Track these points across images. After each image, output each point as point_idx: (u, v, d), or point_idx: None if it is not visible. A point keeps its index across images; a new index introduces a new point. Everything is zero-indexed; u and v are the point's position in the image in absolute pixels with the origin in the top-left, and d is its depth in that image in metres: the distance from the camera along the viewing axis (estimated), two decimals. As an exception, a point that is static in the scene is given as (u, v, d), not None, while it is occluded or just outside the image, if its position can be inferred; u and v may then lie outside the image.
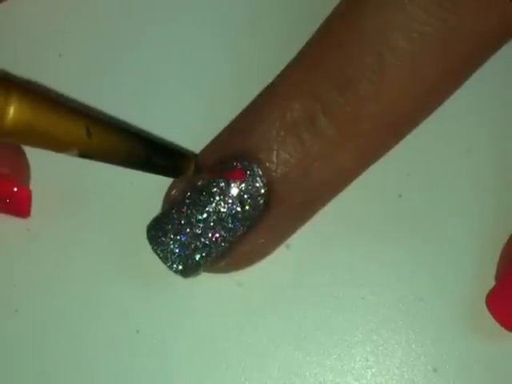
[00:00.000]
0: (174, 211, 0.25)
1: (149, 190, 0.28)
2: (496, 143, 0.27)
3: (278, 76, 0.26)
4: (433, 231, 0.27)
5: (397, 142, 0.26)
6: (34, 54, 0.29)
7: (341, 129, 0.24)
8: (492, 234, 0.27)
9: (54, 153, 0.23)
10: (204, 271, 0.26)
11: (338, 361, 0.27)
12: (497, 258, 0.27)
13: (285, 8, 0.29)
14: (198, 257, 0.25)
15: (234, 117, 0.27)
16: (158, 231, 0.25)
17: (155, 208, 0.27)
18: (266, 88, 0.26)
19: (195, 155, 0.27)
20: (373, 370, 0.27)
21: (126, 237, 0.28)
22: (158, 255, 0.25)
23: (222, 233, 0.25)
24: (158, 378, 0.28)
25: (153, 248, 0.25)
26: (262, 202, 0.25)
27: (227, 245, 0.25)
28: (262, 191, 0.25)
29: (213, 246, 0.25)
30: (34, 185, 0.28)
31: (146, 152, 0.23)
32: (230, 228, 0.25)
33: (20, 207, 0.28)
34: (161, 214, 0.26)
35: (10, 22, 0.29)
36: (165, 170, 0.24)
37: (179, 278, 0.26)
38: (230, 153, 0.25)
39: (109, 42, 0.29)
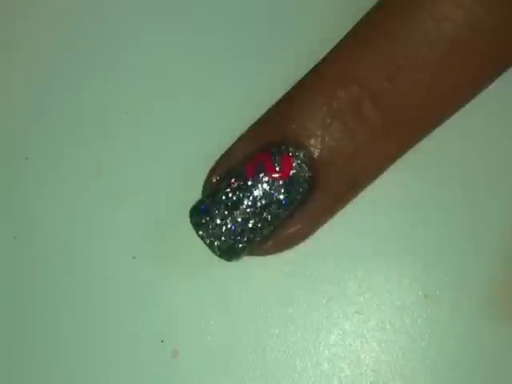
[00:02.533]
0: (219, 196, 0.25)
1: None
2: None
3: (323, 60, 0.25)
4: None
5: (436, 128, 0.26)
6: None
7: (387, 117, 0.24)
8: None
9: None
10: (247, 255, 0.26)
11: (331, 287, 0.28)
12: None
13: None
14: (242, 241, 0.25)
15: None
16: (202, 216, 0.25)
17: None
18: (310, 72, 0.26)
19: None
20: (365, 296, 0.27)
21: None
22: (204, 240, 0.25)
23: (268, 217, 0.25)
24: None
25: (197, 232, 0.25)
26: (306, 187, 0.25)
27: (271, 228, 0.25)
28: (307, 177, 0.25)
29: (258, 230, 0.25)
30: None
31: None
32: (276, 213, 0.25)
33: None
34: (206, 198, 0.25)
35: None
36: None
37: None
38: (277, 138, 0.25)
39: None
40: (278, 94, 0.26)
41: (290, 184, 0.25)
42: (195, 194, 0.26)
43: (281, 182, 0.25)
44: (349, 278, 0.28)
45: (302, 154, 0.25)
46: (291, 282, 0.28)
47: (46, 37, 0.29)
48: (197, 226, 0.25)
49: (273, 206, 0.25)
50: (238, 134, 0.27)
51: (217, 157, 0.27)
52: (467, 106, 0.25)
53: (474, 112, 0.27)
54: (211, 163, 0.27)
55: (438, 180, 0.28)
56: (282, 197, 0.25)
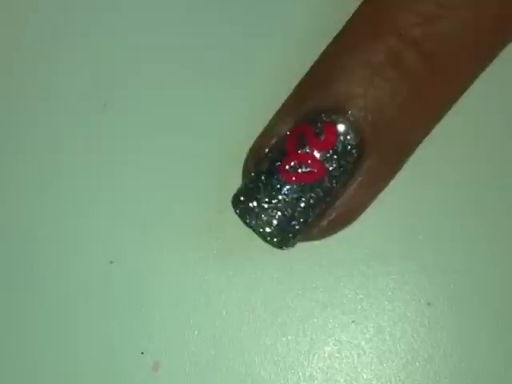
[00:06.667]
0: (261, 178, 0.24)
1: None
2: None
3: (353, 17, 0.25)
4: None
5: (480, 73, 0.25)
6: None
7: (428, 64, 0.23)
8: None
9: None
10: (300, 240, 0.25)
11: (325, 294, 0.27)
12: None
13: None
14: (295, 222, 0.24)
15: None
16: (247, 203, 0.24)
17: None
18: (341, 30, 0.25)
19: None
20: (363, 304, 0.27)
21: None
22: (253, 228, 0.24)
23: (319, 192, 0.24)
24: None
25: (245, 221, 0.24)
26: (355, 155, 0.23)
27: (324, 205, 0.24)
28: (355, 143, 0.23)
29: (310, 208, 0.24)
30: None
31: None
32: (327, 187, 0.24)
33: None
34: (248, 183, 0.24)
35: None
36: None
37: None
38: (315, 106, 0.24)
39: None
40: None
41: (337, 154, 0.23)
42: (181, 195, 0.27)
43: (328, 154, 0.23)
44: (344, 285, 0.27)
45: (344, 120, 0.23)
46: (282, 289, 0.27)
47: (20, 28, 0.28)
48: (243, 214, 0.24)
49: (324, 179, 0.23)
50: (233, 132, 0.27)
51: (202, 156, 0.27)
52: (473, 111, 0.26)
53: (474, 114, 0.27)
54: (198, 162, 0.27)
55: (440, 183, 0.27)
56: (331, 168, 0.23)
